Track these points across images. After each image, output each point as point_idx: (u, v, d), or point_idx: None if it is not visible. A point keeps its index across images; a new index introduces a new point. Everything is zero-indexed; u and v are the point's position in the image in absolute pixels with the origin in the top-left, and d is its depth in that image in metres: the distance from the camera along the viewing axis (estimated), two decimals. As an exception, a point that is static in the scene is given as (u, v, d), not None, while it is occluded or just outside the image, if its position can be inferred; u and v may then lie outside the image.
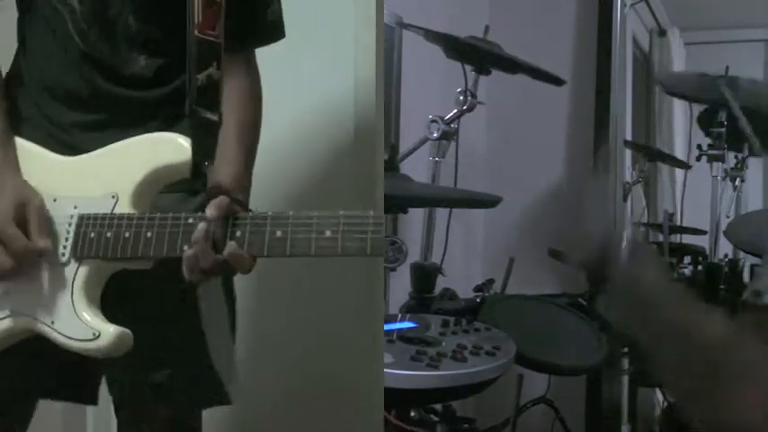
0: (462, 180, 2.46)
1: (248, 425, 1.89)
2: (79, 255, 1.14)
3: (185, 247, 1.08)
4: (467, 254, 3.31)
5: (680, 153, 4.25)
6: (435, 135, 2.26)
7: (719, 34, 4.76)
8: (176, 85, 1.24)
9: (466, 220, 3.29)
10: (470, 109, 2.34)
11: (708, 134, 3.34)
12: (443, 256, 2.45)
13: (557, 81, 2.52)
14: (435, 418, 2.26)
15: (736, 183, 3.47)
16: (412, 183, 2.02)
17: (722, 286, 3.10)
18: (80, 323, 1.12)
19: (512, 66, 2.44)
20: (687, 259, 3.37)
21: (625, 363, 2.98)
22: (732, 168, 3.48)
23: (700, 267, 3.27)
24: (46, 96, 1.25)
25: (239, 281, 1.90)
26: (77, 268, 1.14)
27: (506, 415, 2.38)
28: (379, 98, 1.71)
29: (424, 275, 2.27)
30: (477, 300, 2.40)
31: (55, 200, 1.17)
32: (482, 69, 2.40)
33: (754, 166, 3.77)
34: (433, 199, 2.16)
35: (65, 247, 1.15)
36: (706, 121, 3.38)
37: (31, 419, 1.28)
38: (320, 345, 1.81)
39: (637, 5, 3.76)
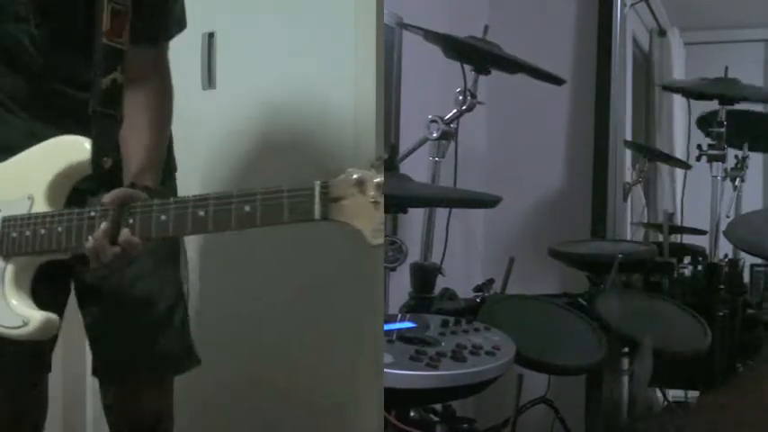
0: (462, 180, 2.45)
1: (248, 424, 1.89)
2: (5, 253, 1.28)
3: (90, 238, 1.21)
4: (467, 254, 3.31)
5: (680, 153, 4.25)
6: (435, 135, 2.26)
7: (719, 34, 4.76)
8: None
9: (466, 220, 3.29)
10: (470, 109, 2.33)
11: (708, 134, 3.34)
12: (443, 256, 2.45)
13: (557, 81, 2.52)
14: (435, 418, 2.26)
15: (736, 183, 3.47)
16: (412, 183, 2.01)
17: (722, 286, 3.10)
18: (11, 313, 1.25)
19: (511, 66, 2.44)
20: (687, 259, 3.38)
21: (625, 363, 2.97)
22: (732, 168, 3.48)
23: (700, 267, 3.27)
24: None
25: (239, 282, 1.91)
26: (5, 266, 1.28)
27: (506, 415, 2.37)
28: (379, 98, 1.71)
29: (424, 275, 2.27)
30: (477, 300, 2.40)
31: None
32: (482, 69, 2.40)
33: (754, 166, 3.77)
34: (432, 199, 2.16)
35: None
36: (706, 123, 3.38)
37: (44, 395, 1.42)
38: (320, 344, 1.81)
39: (637, 5, 3.76)
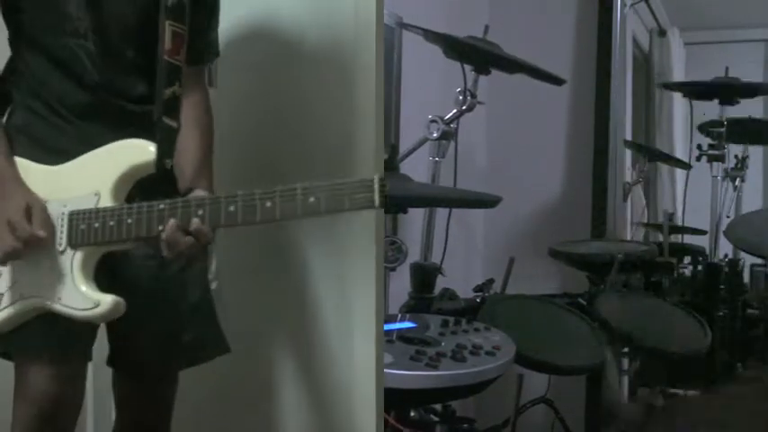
0: (462, 180, 2.46)
1: (248, 424, 1.89)
2: (74, 243, 1.40)
3: (160, 227, 1.35)
4: (467, 254, 3.32)
5: (680, 153, 4.26)
6: (435, 135, 2.26)
7: (719, 34, 4.76)
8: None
9: (466, 220, 3.30)
10: (470, 109, 2.33)
11: (708, 134, 3.35)
12: (443, 256, 2.45)
13: (557, 81, 2.52)
14: (435, 419, 2.26)
15: (736, 183, 3.48)
16: (412, 183, 2.02)
17: (722, 286, 3.11)
18: (83, 296, 1.39)
19: (511, 66, 2.44)
20: (687, 259, 3.38)
21: (625, 363, 2.98)
22: (732, 168, 3.49)
23: (700, 267, 3.27)
24: (49, 114, 1.49)
25: (239, 282, 1.91)
26: (74, 254, 1.40)
27: (506, 415, 2.38)
28: (379, 98, 1.71)
29: (424, 275, 2.27)
30: (477, 300, 2.40)
31: (47, 202, 1.43)
32: (482, 69, 2.40)
33: (754, 166, 3.78)
34: (432, 199, 2.16)
35: (61, 239, 1.41)
36: (707, 124, 3.39)
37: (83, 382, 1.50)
38: (320, 345, 1.81)
39: (637, 5, 3.77)
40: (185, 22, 1.49)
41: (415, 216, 2.44)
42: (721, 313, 3.04)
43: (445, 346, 1.75)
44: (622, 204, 3.58)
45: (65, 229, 1.41)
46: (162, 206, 1.36)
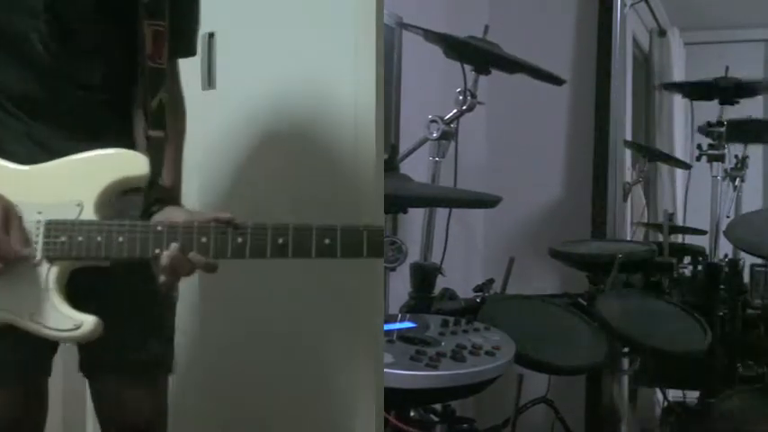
0: (462, 180, 2.45)
1: (248, 425, 1.89)
2: (51, 256, 1.27)
3: (157, 251, 1.24)
4: (467, 254, 3.31)
5: (680, 153, 4.26)
6: (435, 135, 2.26)
7: (719, 34, 4.76)
8: (125, 106, 1.40)
9: (466, 220, 3.29)
10: (470, 109, 2.33)
11: (708, 134, 3.35)
12: (443, 256, 2.45)
13: (557, 81, 2.52)
14: (435, 418, 2.26)
15: (736, 183, 3.48)
16: (412, 183, 2.01)
17: (722, 286, 3.10)
18: (62, 316, 1.27)
19: (511, 66, 2.44)
20: (687, 259, 3.38)
21: (625, 363, 2.98)
22: (732, 168, 3.48)
23: (700, 267, 3.27)
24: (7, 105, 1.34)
25: (239, 283, 1.91)
26: (50, 268, 1.28)
27: (506, 415, 2.38)
28: (379, 98, 1.71)
29: (424, 275, 2.27)
30: (477, 300, 2.40)
31: (16, 205, 1.28)
32: (482, 69, 2.40)
33: (754, 166, 3.78)
34: (433, 199, 2.16)
35: (35, 249, 1.28)
36: (707, 124, 3.39)
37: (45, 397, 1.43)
38: (320, 345, 1.81)
39: (637, 5, 3.77)
40: (165, 17, 1.35)
41: (415, 216, 2.44)
42: (721, 313, 3.03)
43: (445, 346, 1.74)
44: (622, 204, 3.58)
45: (40, 239, 1.27)
46: (160, 227, 1.26)
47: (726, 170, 3.45)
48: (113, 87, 1.39)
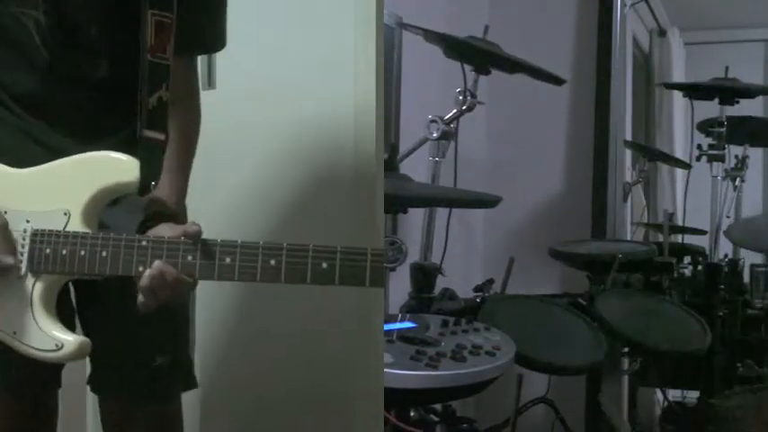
0: (462, 180, 2.45)
1: (248, 425, 1.89)
2: (36, 269, 1.19)
3: (140, 268, 1.14)
4: (467, 254, 3.31)
5: (680, 153, 4.26)
6: (435, 135, 2.26)
7: (719, 34, 4.76)
8: (129, 105, 1.28)
9: (466, 220, 3.29)
10: (470, 109, 2.33)
11: (708, 134, 3.35)
12: (443, 256, 2.45)
13: (557, 81, 2.52)
14: (435, 418, 2.26)
15: (736, 183, 3.48)
16: (412, 183, 2.01)
17: (722, 286, 3.10)
18: (44, 335, 1.19)
19: (511, 66, 2.44)
20: (687, 259, 3.38)
21: (625, 363, 2.98)
22: (732, 168, 3.48)
23: (700, 267, 3.27)
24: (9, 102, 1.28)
25: (239, 283, 1.91)
26: (34, 282, 1.19)
27: (506, 415, 2.37)
28: (379, 98, 1.71)
29: (424, 275, 2.27)
30: (477, 300, 2.40)
31: (6, 212, 1.21)
32: (482, 69, 2.40)
33: (754, 166, 3.77)
34: (432, 199, 2.16)
35: (20, 261, 1.20)
36: (707, 124, 3.39)
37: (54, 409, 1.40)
38: (320, 345, 1.81)
39: (637, 5, 3.77)
40: (172, 9, 1.24)
41: (415, 216, 2.44)
42: (721, 313, 3.04)
43: (445, 346, 1.74)
44: (622, 204, 3.58)
45: (26, 249, 1.19)
46: (144, 242, 1.14)
47: (726, 170, 3.45)
48: (116, 84, 1.30)
